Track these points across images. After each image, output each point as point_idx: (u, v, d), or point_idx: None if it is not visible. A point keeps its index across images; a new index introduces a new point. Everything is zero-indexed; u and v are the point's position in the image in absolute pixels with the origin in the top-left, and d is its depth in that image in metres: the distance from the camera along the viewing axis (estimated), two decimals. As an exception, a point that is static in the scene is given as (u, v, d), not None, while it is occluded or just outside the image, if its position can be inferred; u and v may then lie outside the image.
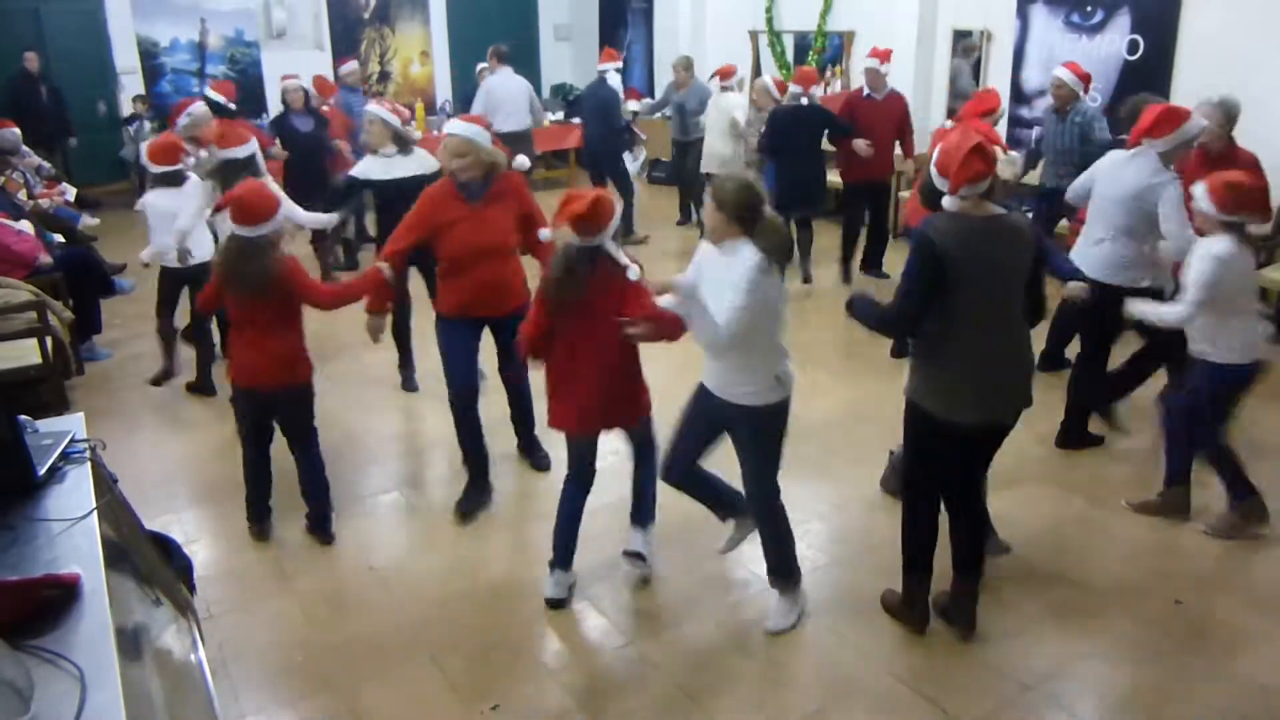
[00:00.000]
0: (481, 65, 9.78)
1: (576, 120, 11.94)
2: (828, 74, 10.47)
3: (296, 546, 4.20)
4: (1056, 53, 8.07)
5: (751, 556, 4.04)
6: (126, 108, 11.27)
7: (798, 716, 3.17)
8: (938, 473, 3.42)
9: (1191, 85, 7.13)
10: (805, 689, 3.31)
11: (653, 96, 12.16)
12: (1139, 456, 4.82)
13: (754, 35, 11.26)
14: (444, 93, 13.14)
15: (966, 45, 8.93)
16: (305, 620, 3.72)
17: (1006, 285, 3.17)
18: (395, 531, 4.36)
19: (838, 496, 4.55)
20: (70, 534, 2.15)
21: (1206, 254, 3.81)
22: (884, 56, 7.36)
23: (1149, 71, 7.42)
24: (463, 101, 11.08)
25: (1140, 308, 4.07)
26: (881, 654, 3.46)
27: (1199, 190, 3.87)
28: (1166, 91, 7.29)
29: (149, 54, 11.45)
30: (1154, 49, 7.40)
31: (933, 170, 3.20)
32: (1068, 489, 4.55)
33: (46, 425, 2.72)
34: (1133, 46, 7.55)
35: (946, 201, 3.14)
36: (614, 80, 9.09)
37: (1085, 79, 6.31)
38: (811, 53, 10.44)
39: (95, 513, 2.23)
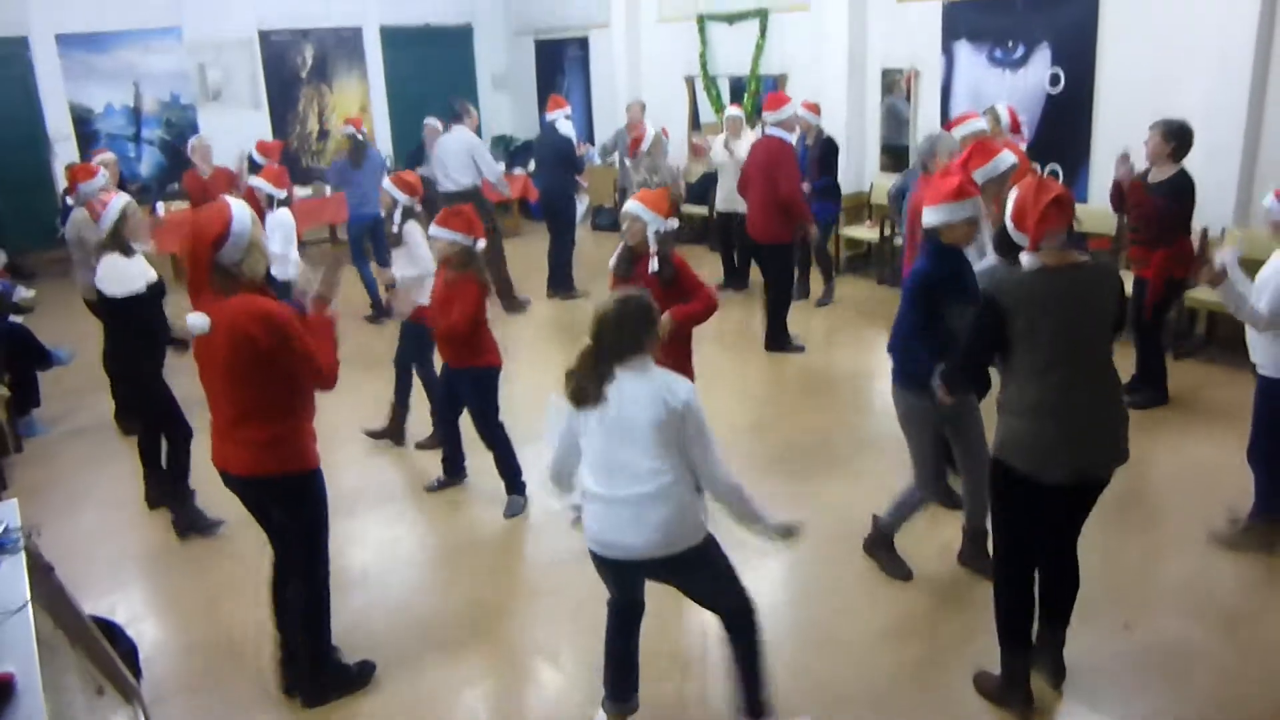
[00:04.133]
0: (428, 120, 9.81)
1: (518, 171, 11.99)
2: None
3: (248, 618, 4.11)
4: (983, 88, 8.30)
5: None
6: (61, 175, 11.12)
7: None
8: (1028, 535, 3.24)
9: (1112, 113, 7.39)
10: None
11: (591, 143, 12.27)
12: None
13: (689, 81, 11.45)
14: (384, 147, 13.13)
15: (893, 82, 9.15)
16: (260, 695, 3.63)
17: (1090, 333, 3.08)
18: (347, 598, 4.28)
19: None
20: (3, 629, 2.10)
21: None
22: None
23: (1072, 103, 7.66)
24: (404, 156, 11.08)
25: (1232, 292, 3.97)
26: (847, 688, 3.46)
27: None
28: (1089, 120, 7.54)
29: (83, 120, 11.32)
30: (1074, 81, 7.64)
31: (1008, 223, 3.10)
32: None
33: (-22, 514, 2.66)
34: (1054, 79, 7.79)
35: (1025, 257, 3.03)
36: (565, 128, 9.02)
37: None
38: (747, 95, 10.62)
39: (29, 605, 2.17)
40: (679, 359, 4.27)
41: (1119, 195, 5.75)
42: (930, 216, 3.72)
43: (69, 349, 7.00)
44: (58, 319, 7.95)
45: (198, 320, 3.09)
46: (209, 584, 4.39)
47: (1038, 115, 7.94)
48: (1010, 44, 8.06)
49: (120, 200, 4.71)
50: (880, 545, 4.26)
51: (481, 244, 4.72)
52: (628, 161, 7.98)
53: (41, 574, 2.52)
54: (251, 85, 12.34)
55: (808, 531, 4.50)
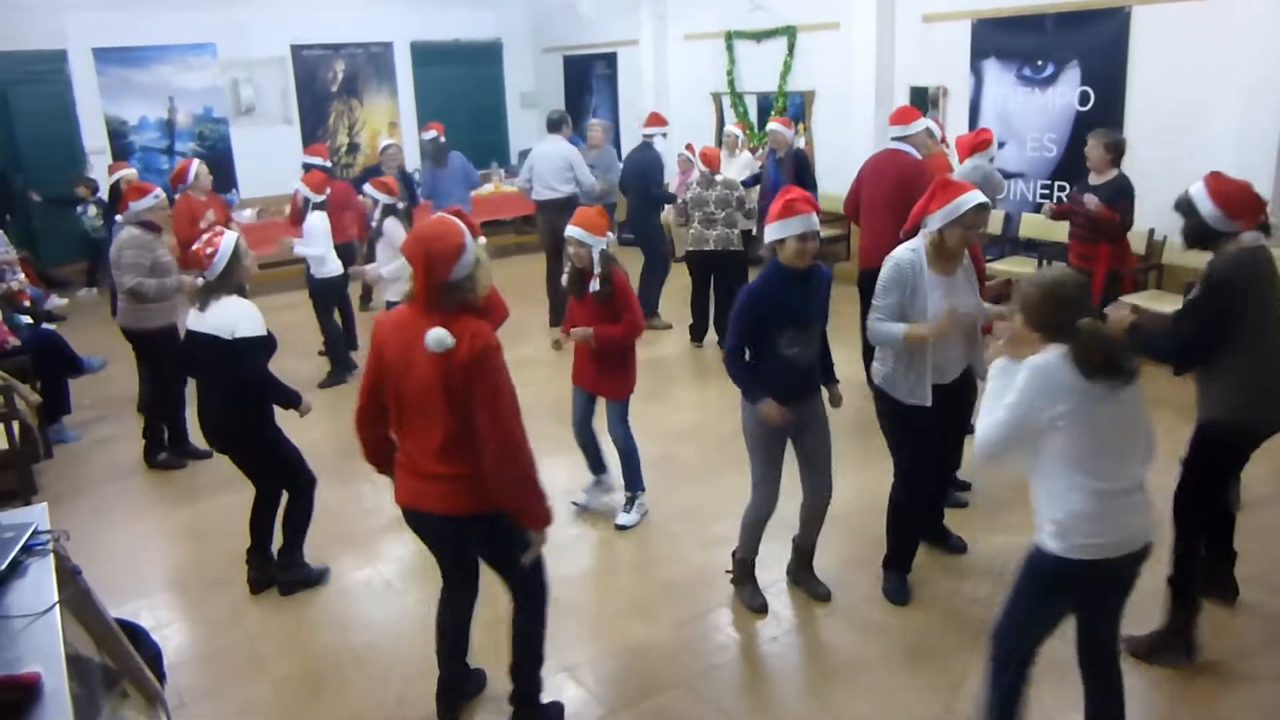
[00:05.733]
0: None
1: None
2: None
3: (271, 627, 4.14)
4: (1011, 106, 8.27)
5: (728, 620, 4.02)
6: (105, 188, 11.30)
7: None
8: (1217, 496, 3.64)
9: (1142, 133, 7.34)
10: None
11: (620, 160, 12.33)
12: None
13: (716, 97, 11.48)
14: (413, 162, 13.23)
15: (934, 99, 9.12)
16: (281, 704, 3.65)
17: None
18: (370, 608, 4.31)
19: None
20: (31, 631, 2.12)
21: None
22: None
23: (1101, 121, 7.59)
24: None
25: None
26: (863, 716, 3.43)
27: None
28: (1119, 140, 7.48)
29: (117, 133, 11.50)
30: (1104, 100, 7.59)
31: (1214, 212, 3.42)
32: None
33: (8, 517, 2.70)
34: (1084, 98, 7.75)
35: (1248, 235, 3.41)
36: (661, 146, 8.74)
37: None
38: (774, 112, 10.63)
39: (57, 607, 2.20)
40: (617, 372, 4.71)
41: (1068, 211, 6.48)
42: (766, 234, 3.73)
43: (101, 357, 7.10)
44: (88, 328, 8.07)
45: (441, 336, 2.81)
46: (234, 592, 4.41)
47: (1067, 134, 7.90)
48: (1039, 63, 8.02)
49: (232, 238, 4.15)
50: (741, 577, 4.16)
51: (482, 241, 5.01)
52: (716, 178, 7.49)
53: (69, 577, 2.55)
54: (283, 100, 12.50)
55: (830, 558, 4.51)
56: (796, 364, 3.79)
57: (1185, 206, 3.52)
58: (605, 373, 4.71)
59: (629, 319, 4.57)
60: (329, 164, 8.46)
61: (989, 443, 2.72)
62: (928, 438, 3.97)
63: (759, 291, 3.72)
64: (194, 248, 4.15)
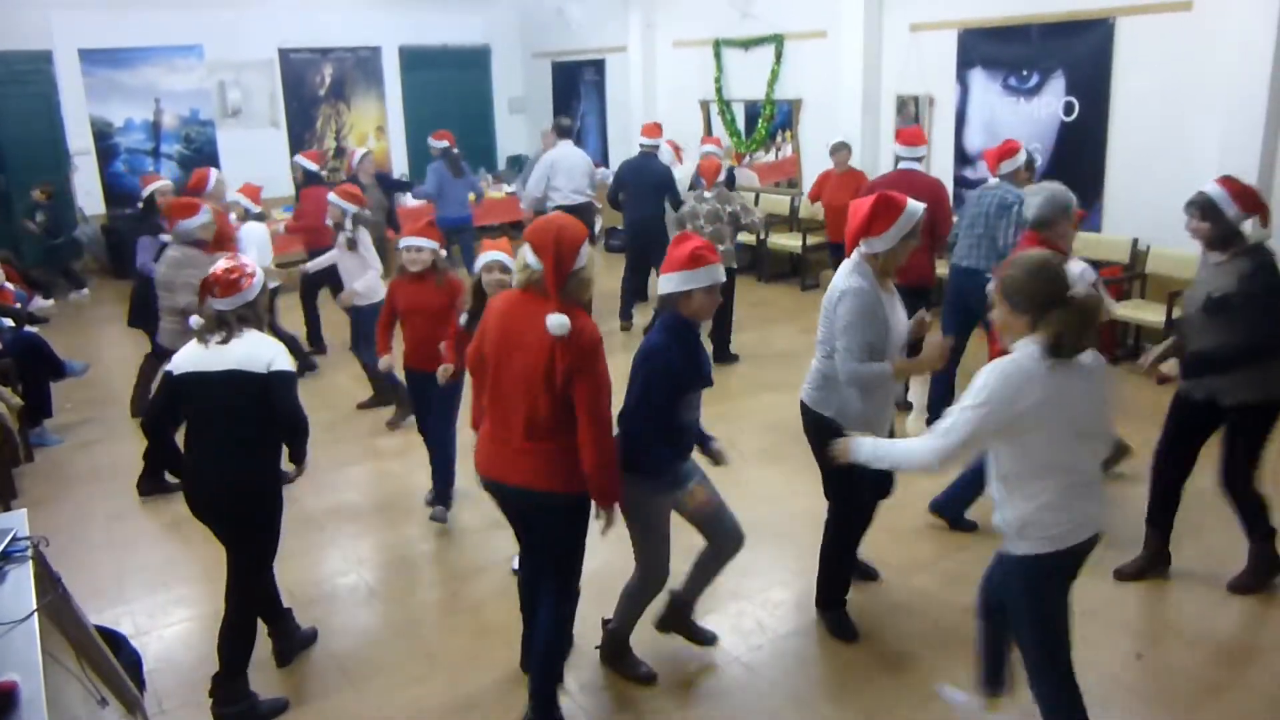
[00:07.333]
0: (546, 128, 9.75)
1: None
2: (778, 139, 10.71)
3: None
4: (997, 115, 8.32)
5: (711, 628, 4.01)
6: (80, 191, 11.28)
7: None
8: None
9: (1127, 143, 7.40)
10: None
11: (608, 167, 12.35)
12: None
13: (704, 105, 11.50)
14: (400, 166, 13.24)
15: (909, 109, 9.17)
16: (261, 711, 3.62)
17: None
18: (353, 614, 4.28)
19: (797, 564, 4.53)
20: (9, 638, 2.10)
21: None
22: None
23: (1085, 131, 7.66)
24: (419, 176, 11.12)
25: None
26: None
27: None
28: (1103, 149, 7.53)
29: (103, 134, 11.45)
30: (1089, 110, 7.64)
31: (1239, 214, 3.71)
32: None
33: (-13, 523, 2.67)
34: (1069, 108, 7.79)
35: (1254, 233, 3.75)
36: (667, 157, 8.68)
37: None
38: (761, 120, 10.67)
39: (36, 614, 2.18)
40: None
41: None
42: (664, 285, 3.32)
43: (84, 361, 7.07)
44: (72, 331, 8.02)
45: (564, 320, 2.96)
46: (214, 597, 4.36)
47: (1051, 144, 7.94)
48: (1024, 72, 8.07)
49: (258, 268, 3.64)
50: (617, 653, 3.78)
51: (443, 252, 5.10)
52: (707, 194, 7.28)
53: (48, 584, 2.52)
54: (270, 103, 12.47)
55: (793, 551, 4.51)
56: (692, 429, 3.50)
57: (1208, 209, 3.69)
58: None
59: None
60: (320, 169, 8.56)
61: (943, 450, 2.71)
62: (870, 476, 3.55)
63: (675, 349, 3.29)
64: (218, 269, 3.49)
